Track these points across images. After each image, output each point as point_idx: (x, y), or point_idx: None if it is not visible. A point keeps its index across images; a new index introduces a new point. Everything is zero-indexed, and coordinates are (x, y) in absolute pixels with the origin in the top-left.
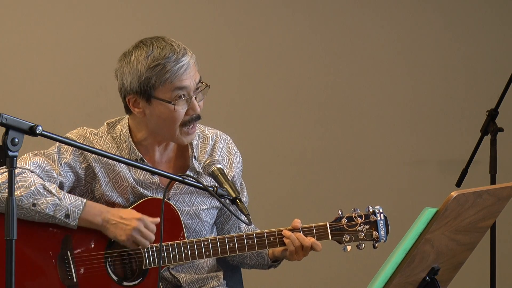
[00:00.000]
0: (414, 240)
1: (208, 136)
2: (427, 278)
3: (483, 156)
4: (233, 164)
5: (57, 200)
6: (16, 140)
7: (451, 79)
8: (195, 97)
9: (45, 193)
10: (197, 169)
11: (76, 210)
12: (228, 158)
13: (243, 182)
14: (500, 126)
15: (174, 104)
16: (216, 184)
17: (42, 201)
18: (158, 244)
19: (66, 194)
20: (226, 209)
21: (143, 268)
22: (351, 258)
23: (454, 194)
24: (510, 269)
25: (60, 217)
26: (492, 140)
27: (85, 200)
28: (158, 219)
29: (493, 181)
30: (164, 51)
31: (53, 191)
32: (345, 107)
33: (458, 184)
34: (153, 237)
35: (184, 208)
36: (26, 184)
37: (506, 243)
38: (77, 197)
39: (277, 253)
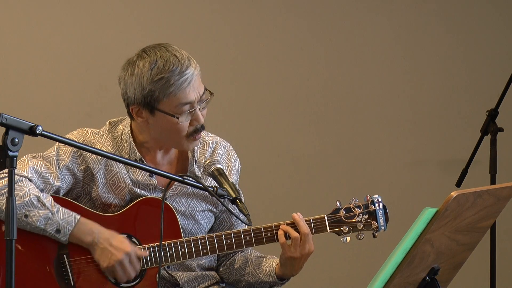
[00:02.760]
0: (414, 240)
1: (208, 142)
2: (427, 278)
3: (483, 156)
4: (232, 171)
5: (50, 214)
6: (16, 140)
7: (451, 79)
8: (199, 108)
9: (39, 205)
10: (196, 173)
11: (67, 226)
12: (227, 165)
13: (240, 190)
14: (500, 126)
15: (177, 117)
16: (216, 185)
17: (34, 213)
18: (156, 244)
19: (60, 208)
20: (220, 214)
21: (141, 268)
22: (351, 258)
23: (454, 194)
24: (510, 269)
25: (50, 231)
26: (492, 140)
27: (78, 217)
28: (146, 253)
29: (493, 181)
30: (168, 63)
31: (47, 204)
32: (344, 107)
33: (458, 184)
34: (132, 275)
35: (180, 209)
36: (21, 194)
37: (506, 243)
38: (71, 213)
39: (282, 260)
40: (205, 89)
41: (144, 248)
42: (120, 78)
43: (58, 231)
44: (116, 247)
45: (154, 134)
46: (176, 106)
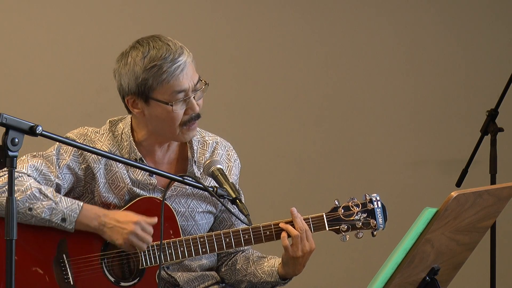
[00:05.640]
0: (414, 240)
1: (208, 142)
2: (427, 278)
3: (483, 156)
4: (232, 171)
5: (53, 204)
6: (16, 140)
7: (451, 79)
8: (193, 96)
9: (41, 197)
10: (196, 173)
11: (72, 214)
12: (227, 165)
13: (240, 190)
14: (500, 126)
15: (171, 105)
16: (216, 185)
17: (38, 206)
18: (155, 243)
19: (62, 197)
20: (220, 213)
21: (140, 267)
22: (351, 258)
23: (454, 194)
24: (510, 269)
25: (56, 221)
26: (492, 140)
27: (81, 204)
28: (155, 219)
29: (493, 181)
30: (160, 51)
31: (49, 195)
32: (345, 107)
33: (458, 184)
34: (150, 239)
35: (179, 209)
36: (22, 188)
37: (506, 243)
38: (73, 201)
39: (284, 259)
40: (200, 79)
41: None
42: (114, 70)
43: (63, 220)
44: (124, 221)
45: (151, 126)
46: (170, 94)
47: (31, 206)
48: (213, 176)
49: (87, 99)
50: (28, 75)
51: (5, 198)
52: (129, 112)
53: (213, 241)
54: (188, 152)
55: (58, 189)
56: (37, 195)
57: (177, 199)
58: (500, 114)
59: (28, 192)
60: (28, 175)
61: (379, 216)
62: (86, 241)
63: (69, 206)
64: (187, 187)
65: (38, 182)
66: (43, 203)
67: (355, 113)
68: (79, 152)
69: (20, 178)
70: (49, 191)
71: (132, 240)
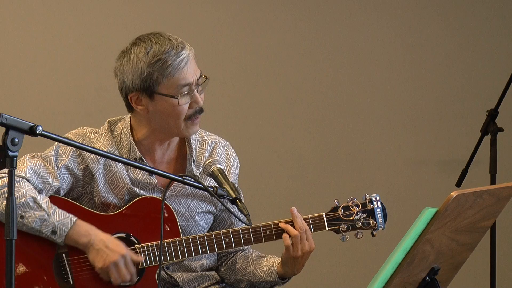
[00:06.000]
0: (414, 240)
1: (207, 141)
2: (427, 278)
3: (483, 156)
4: (231, 171)
5: (46, 215)
6: (16, 140)
7: (451, 79)
8: (196, 90)
9: (35, 206)
10: (194, 173)
11: (63, 228)
12: (226, 164)
13: (240, 189)
14: (500, 126)
15: (177, 98)
16: (216, 185)
17: (30, 215)
18: (155, 243)
19: (57, 210)
20: (220, 213)
21: (140, 267)
22: (351, 258)
23: (454, 194)
24: (510, 269)
25: (46, 232)
26: (492, 140)
27: (74, 219)
28: (141, 258)
29: (493, 181)
30: (163, 46)
31: (44, 205)
32: (345, 107)
33: (458, 184)
34: (127, 278)
35: (179, 210)
36: (18, 195)
37: (506, 243)
38: (67, 215)
39: (283, 258)
40: (201, 74)
41: (141, 251)
42: (116, 69)
43: (53, 232)
44: (112, 249)
45: (155, 123)
46: (175, 88)
47: (23, 214)
48: (213, 176)
49: (87, 99)
50: (28, 75)
51: (5, 199)
52: (130, 110)
53: (212, 241)
54: (187, 152)
55: (57, 190)
56: (31, 204)
57: (176, 199)
58: (500, 114)
59: (22, 200)
60: (27, 180)
61: (379, 216)
62: None
63: (61, 219)
64: (187, 187)
65: (36, 188)
66: (36, 213)
67: (355, 113)
68: (78, 152)
69: (17, 184)
70: (44, 201)
71: (110, 269)
